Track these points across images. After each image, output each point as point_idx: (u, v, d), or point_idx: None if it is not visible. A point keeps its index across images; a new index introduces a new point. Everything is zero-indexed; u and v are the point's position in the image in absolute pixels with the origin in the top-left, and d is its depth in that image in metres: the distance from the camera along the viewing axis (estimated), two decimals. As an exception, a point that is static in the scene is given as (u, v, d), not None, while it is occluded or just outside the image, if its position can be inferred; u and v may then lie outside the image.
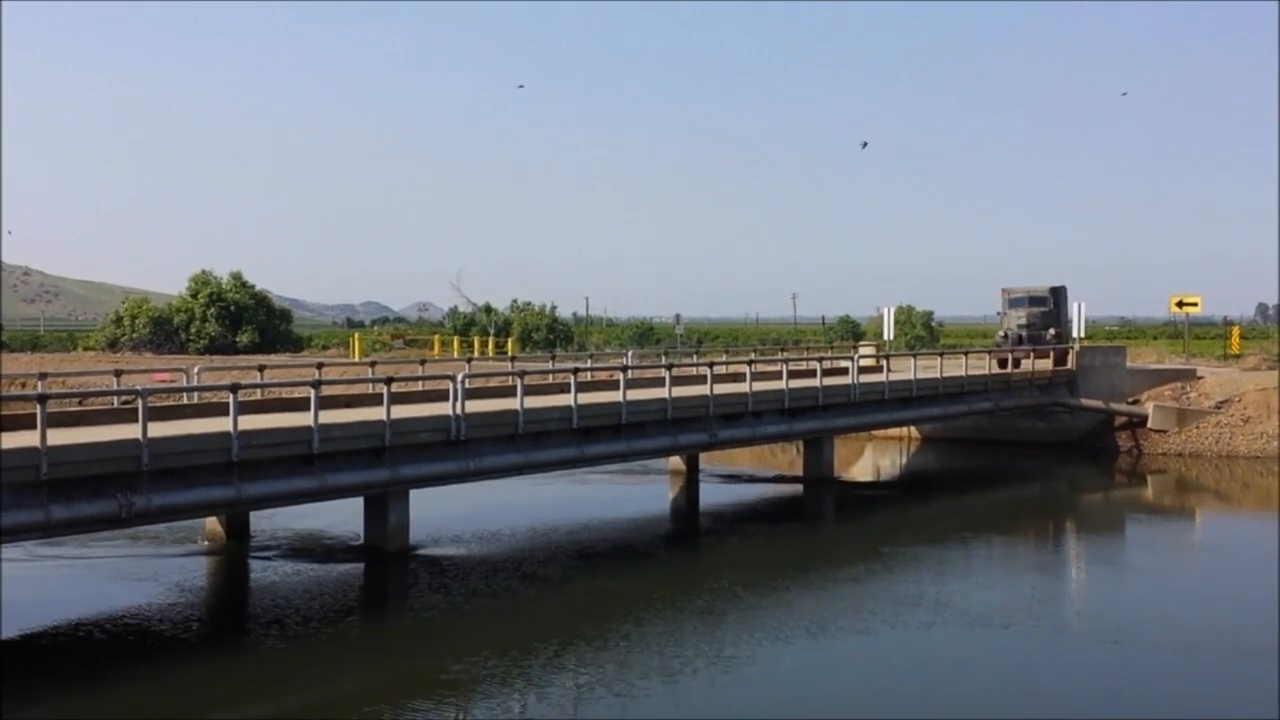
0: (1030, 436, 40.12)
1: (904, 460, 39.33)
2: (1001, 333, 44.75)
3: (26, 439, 16.68)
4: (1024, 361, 40.81)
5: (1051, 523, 29.62)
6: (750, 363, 30.07)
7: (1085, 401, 39.95)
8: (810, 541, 26.25)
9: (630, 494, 30.84)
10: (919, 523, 28.25)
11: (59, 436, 16.96)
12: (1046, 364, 40.55)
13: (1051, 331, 42.95)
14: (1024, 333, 43.06)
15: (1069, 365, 41.35)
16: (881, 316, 55.71)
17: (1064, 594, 21.68)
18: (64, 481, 16.46)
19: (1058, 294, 44.43)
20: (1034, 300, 44.05)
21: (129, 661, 16.05)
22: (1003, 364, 40.84)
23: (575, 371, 24.82)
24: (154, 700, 14.59)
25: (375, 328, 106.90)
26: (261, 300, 74.17)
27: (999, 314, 45.57)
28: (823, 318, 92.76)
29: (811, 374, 32.00)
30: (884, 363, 36.97)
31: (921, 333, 72.55)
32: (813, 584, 21.28)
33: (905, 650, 16.93)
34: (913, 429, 40.96)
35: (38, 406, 16.41)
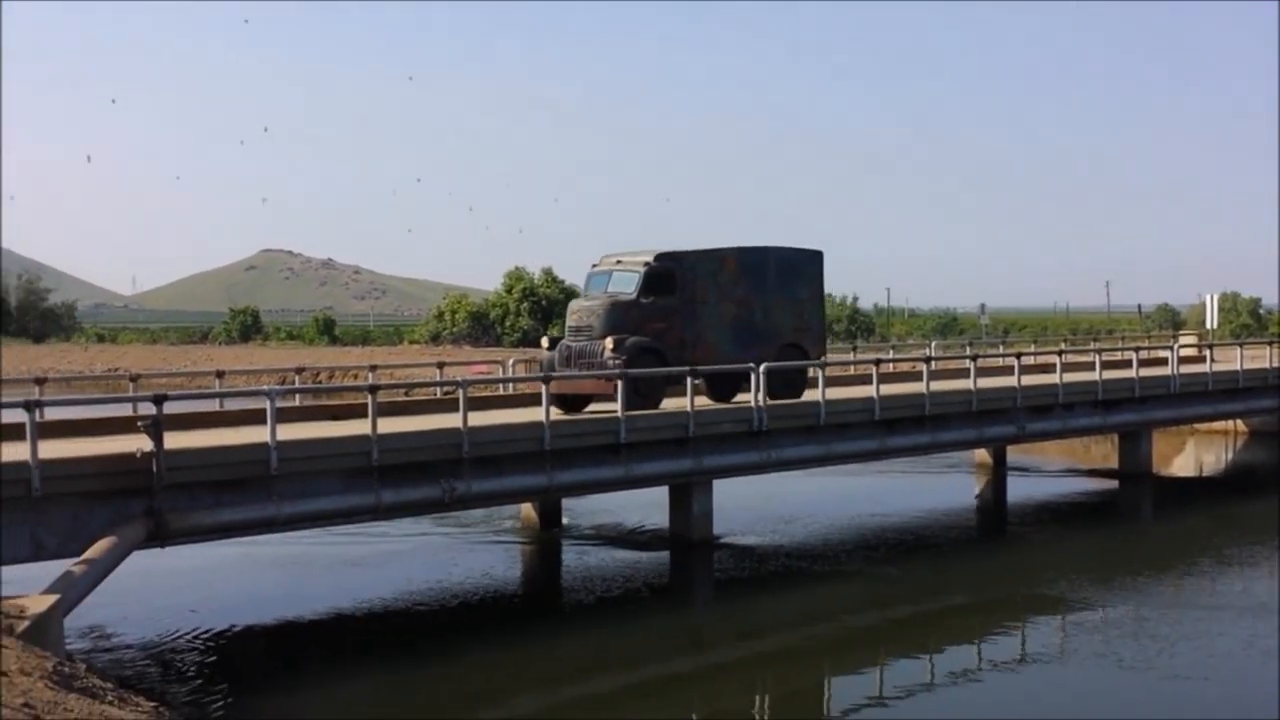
0: (1377, 431, 36.97)
1: (1229, 455, 37.06)
2: (546, 339, 24.54)
3: (359, 428, 17.92)
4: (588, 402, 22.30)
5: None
6: (1060, 353, 29.08)
7: None
8: (1126, 539, 25.12)
9: (933, 487, 30.30)
10: (1246, 522, 26.59)
11: (388, 425, 18.10)
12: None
13: (609, 344, 21.73)
14: (572, 344, 22.64)
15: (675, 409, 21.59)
16: (1204, 304, 52.86)
17: None
18: (392, 468, 17.55)
19: (684, 271, 22.95)
20: (614, 280, 23.09)
21: (451, 639, 17.03)
22: (565, 404, 21.71)
23: (877, 363, 24.62)
24: (474, 676, 15.46)
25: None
26: (571, 294, 76.73)
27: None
28: (1139, 306, 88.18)
29: (1127, 364, 30.61)
30: (1206, 352, 34.96)
31: (1248, 321, 68.17)
32: (1128, 584, 20.38)
33: (1230, 662, 16.05)
34: (1239, 422, 38.54)
35: (369, 397, 17.62)
